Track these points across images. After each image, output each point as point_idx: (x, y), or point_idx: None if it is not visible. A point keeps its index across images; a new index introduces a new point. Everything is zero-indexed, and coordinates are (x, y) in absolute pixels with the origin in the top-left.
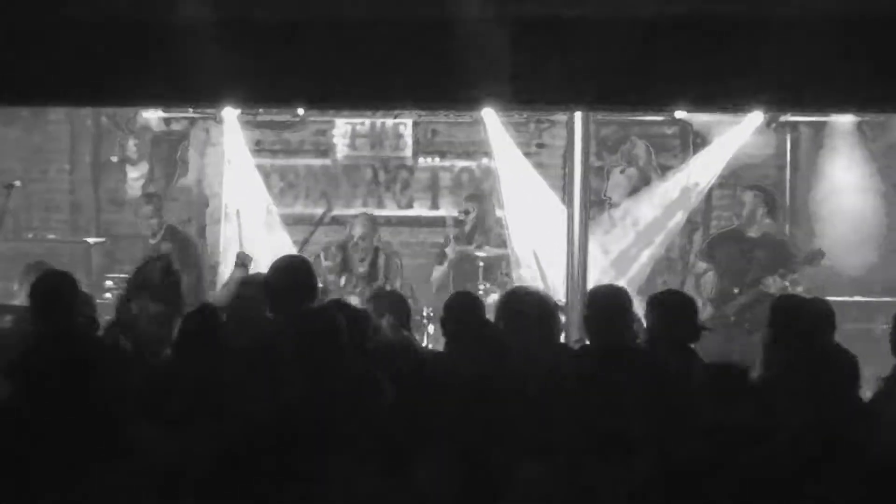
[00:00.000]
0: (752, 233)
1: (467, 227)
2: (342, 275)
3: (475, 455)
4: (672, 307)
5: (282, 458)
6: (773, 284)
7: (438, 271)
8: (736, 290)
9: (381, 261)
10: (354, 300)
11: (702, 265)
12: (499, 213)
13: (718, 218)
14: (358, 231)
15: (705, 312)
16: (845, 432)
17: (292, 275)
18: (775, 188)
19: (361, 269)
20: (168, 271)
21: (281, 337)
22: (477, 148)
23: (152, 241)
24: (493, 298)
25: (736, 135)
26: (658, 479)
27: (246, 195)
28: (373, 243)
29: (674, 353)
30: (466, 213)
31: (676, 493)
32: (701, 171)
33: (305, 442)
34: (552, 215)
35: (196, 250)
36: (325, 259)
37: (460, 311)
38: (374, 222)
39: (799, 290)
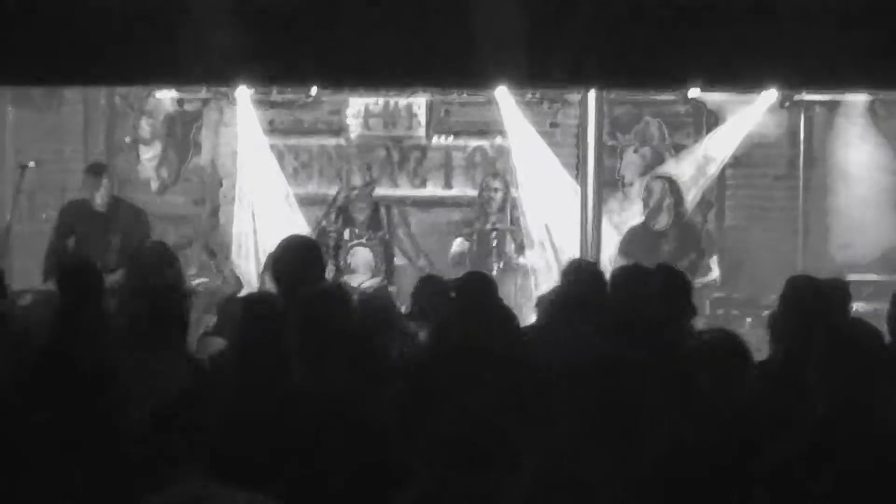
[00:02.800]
0: (661, 221)
1: (495, 206)
2: (345, 228)
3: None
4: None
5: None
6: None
7: (458, 245)
8: None
9: (382, 210)
10: (363, 250)
11: (621, 260)
12: (513, 192)
13: (733, 197)
14: (353, 181)
15: None
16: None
17: (301, 255)
18: (790, 167)
19: (361, 217)
20: (165, 259)
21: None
22: (490, 127)
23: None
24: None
25: (749, 113)
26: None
27: (261, 176)
28: (368, 193)
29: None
30: (496, 190)
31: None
32: (715, 150)
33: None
34: (566, 194)
35: (146, 217)
36: (324, 219)
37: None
38: (368, 174)
39: (712, 277)
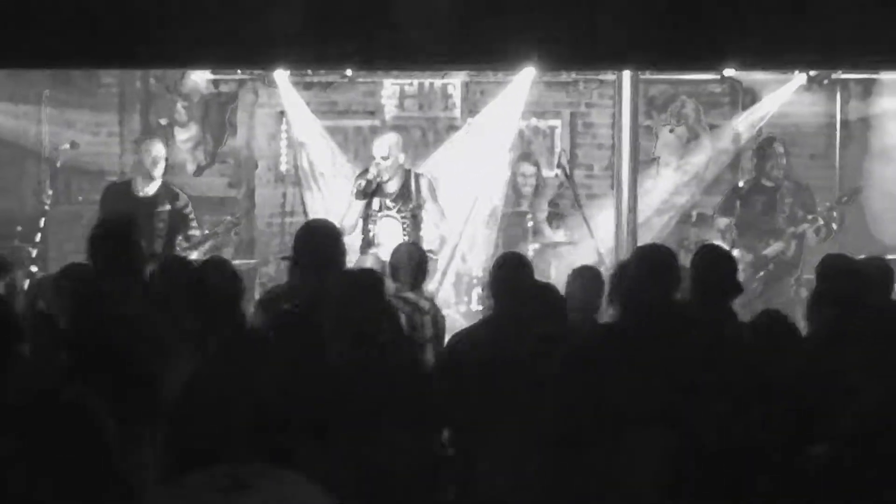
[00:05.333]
0: (774, 175)
1: (527, 189)
2: (373, 199)
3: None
4: (711, 262)
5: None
6: (811, 226)
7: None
8: (770, 239)
9: (412, 179)
10: (391, 222)
11: (723, 220)
12: (548, 173)
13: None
14: (378, 150)
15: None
16: None
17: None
18: (826, 145)
19: (391, 188)
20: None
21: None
22: (525, 108)
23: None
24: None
25: (783, 92)
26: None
27: (321, 154)
28: (398, 161)
29: (714, 310)
30: (529, 175)
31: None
32: (747, 127)
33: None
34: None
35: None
36: (354, 191)
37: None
38: (396, 142)
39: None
